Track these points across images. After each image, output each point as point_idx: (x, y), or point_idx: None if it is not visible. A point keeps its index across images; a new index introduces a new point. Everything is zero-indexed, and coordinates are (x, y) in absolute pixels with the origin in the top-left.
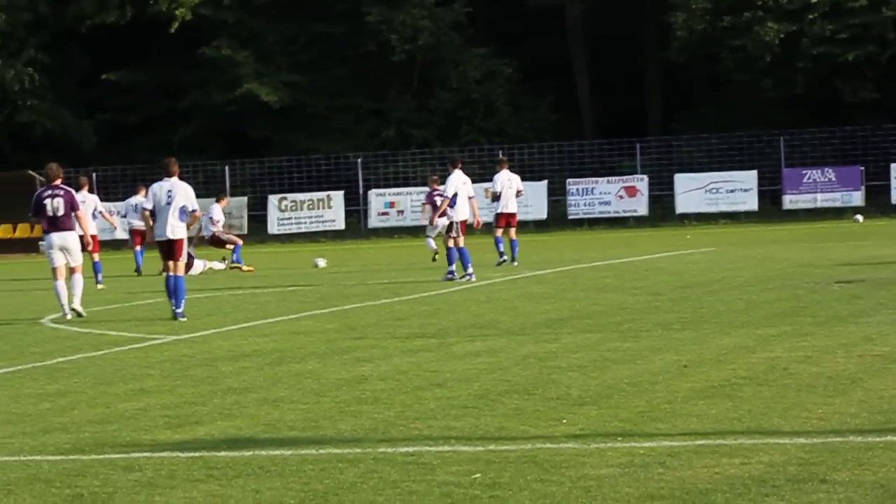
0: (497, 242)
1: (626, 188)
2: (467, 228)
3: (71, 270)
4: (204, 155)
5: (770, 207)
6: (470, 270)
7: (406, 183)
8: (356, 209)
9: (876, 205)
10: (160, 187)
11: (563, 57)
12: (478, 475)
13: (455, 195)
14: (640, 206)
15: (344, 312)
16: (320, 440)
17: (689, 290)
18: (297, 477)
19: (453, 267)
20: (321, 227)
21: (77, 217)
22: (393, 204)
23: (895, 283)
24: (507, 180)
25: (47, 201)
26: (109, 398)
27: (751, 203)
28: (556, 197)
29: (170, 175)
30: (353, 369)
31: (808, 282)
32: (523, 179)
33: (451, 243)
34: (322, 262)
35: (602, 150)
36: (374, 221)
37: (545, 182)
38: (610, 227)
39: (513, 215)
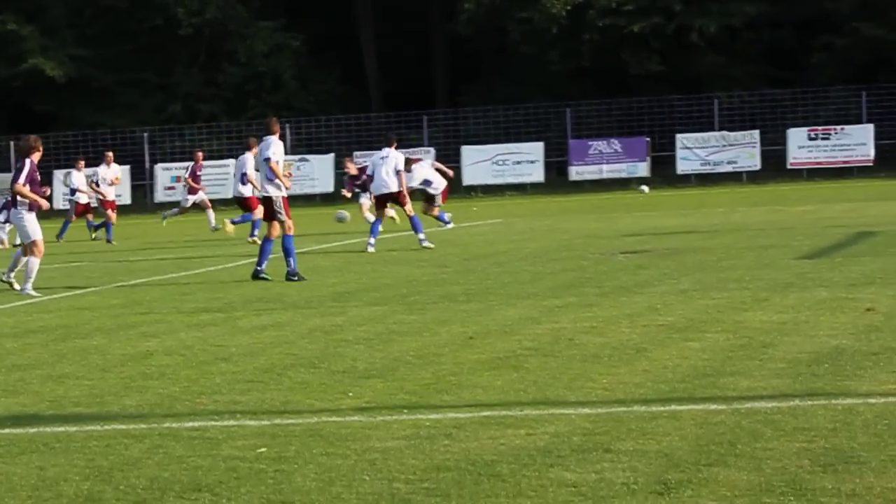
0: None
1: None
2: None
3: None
4: None
5: (556, 179)
6: (372, 241)
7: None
8: (143, 184)
9: (661, 176)
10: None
11: (350, 30)
12: (263, 449)
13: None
14: None
15: (129, 288)
16: (105, 416)
17: (476, 262)
18: (81, 453)
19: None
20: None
21: (16, 191)
22: (179, 178)
23: (680, 254)
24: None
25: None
26: None
27: (537, 175)
28: (343, 170)
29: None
30: (139, 344)
31: (593, 253)
32: (309, 153)
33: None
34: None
35: (389, 123)
36: (160, 196)
37: (332, 155)
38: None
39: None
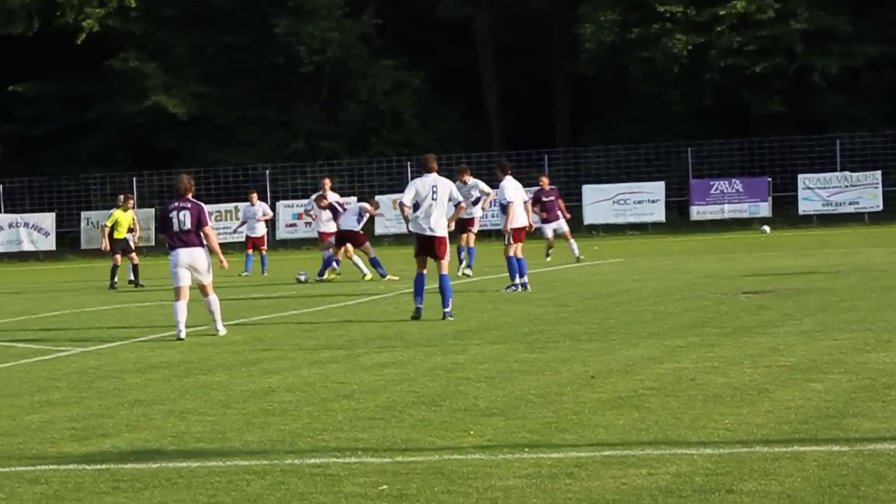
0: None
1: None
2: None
3: (203, 291)
4: (112, 167)
5: (678, 218)
6: (517, 281)
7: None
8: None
9: (783, 216)
10: (423, 183)
11: (471, 68)
12: (385, 487)
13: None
14: None
15: (251, 324)
16: (227, 452)
17: (597, 301)
18: (204, 489)
19: (516, 279)
20: (228, 239)
21: (205, 233)
22: (301, 216)
23: (802, 294)
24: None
25: (173, 215)
26: (16, 410)
27: (658, 214)
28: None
29: (429, 171)
30: (261, 381)
31: (715, 293)
32: None
33: (510, 252)
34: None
35: (510, 161)
36: (282, 233)
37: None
38: None
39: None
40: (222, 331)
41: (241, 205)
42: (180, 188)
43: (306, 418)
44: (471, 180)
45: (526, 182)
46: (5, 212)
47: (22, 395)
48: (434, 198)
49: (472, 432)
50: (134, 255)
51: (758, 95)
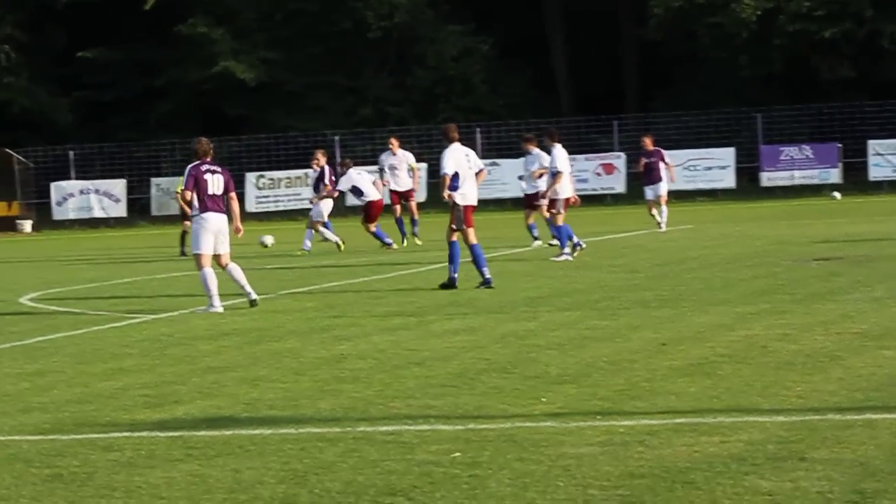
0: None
1: (604, 165)
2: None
3: (222, 261)
4: (181, 133)
5: (748, 185)
6: (567, 250)
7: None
8: None
9: (853, 182)
10: (459, 154)
11: (540, 34)
12: (457, 454)
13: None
14: (618, 184)
15: (322, 291)
16: (300, 419)
17: (668, 268)
18: (276, 456)
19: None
20: (299, 206)
21: (230, 199)
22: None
23: (873, 261)
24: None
25: (209, 177)
26: (88, 378)
27: (728, 180)
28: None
29: (452, 141)
30: (332, 348)
31: (786, 259)
32: (499, 157)
33: (558, 220)
34: (269, 240)
35: (579, 128)
36: (350, 199)
37: (522, 160)
38: (587, 204)
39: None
40: (254, 294)
41: (311, 171)
42: (204, 150)
43: (378, 385)
44: (534, 150)
45: (594, 148)
46: (76, 178)
47: (94, 363)
48: (470, 167)
49: (543, 399)
50: None
51: (827, 61)
